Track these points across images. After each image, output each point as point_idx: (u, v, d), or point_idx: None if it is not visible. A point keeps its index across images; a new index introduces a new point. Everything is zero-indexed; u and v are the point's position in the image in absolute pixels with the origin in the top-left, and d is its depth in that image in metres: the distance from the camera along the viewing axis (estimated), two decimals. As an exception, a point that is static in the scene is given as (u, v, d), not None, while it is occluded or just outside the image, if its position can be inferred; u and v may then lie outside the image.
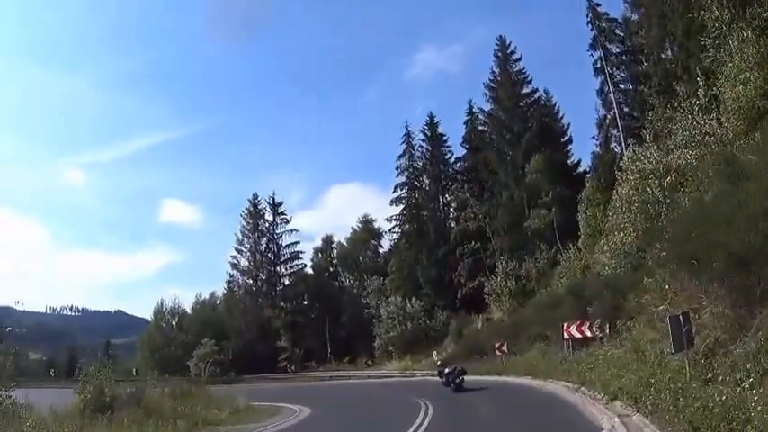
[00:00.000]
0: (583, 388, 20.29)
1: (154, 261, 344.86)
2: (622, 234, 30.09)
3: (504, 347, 36.68)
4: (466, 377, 29.83)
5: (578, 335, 28.82)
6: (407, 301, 61.59)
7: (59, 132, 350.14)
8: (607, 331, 26.46)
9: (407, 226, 70.26)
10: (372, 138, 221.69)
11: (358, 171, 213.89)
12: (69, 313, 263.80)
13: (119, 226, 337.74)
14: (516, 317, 44.82)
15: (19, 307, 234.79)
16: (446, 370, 31.23)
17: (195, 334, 74.55)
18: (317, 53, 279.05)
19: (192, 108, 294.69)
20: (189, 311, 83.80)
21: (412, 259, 67.25)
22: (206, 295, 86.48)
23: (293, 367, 69.70)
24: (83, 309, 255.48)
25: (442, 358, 40.20)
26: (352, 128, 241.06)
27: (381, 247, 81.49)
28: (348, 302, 77.25)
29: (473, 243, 59.61)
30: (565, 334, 29.61)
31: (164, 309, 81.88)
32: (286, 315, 78.38)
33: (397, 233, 72.40)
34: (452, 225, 66.37)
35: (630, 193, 29.95)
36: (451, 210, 69.12)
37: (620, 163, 34.34)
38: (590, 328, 28.01)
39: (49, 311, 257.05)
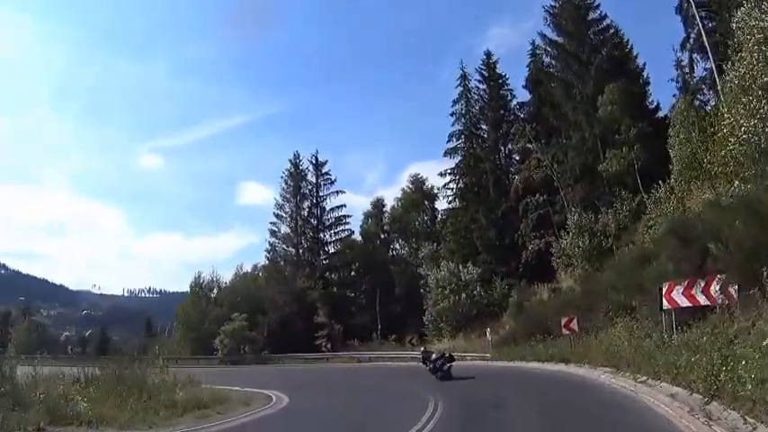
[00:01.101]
0: (714, 403, 10.77)
1: (233, 242, 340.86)
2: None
3: (574, 324, 28.98)
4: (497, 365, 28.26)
5: (686, 302, 17.75)
6: (462, 266, 51.90)
7: (136, 119, 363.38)
8: (736, 295, 15.99)
9: (463, 180, 60.06)
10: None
11: (436, 149, 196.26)
12: (147, 295, 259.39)
13: (197, 209, 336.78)
14: (591, 284, 35.30)
15: (96, 290, 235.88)
16: (433, 356, 28.39)
17: (231, 309, 65.08)
18: (389, 34, 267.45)
19: (269, 91, 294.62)
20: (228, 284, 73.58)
21: (468, 220, 57.14)
22: (248, 267, 76.90)
23: (329, 345, 60.03)
24: (161, 291, 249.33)
25: (440, 349, 34.51)
26: (429, 106, 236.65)
27: (437, 210, 70.58)
28: (401, 273, 67.21)
29: (538, 196, 49.37)
30: (665, 301, 18.35)
31: (201, 281, 72.26)
32: (329, 287, 68.86)
33: (452, 190, 61.91)
34: (514, 178, 55.86)
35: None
36: (513, 160, 59.40)
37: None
38: (706, 292, 17.11)
39: (126, 294, 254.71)
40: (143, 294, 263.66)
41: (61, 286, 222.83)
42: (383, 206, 74.12)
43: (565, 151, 47.98)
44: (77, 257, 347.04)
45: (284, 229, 72.78)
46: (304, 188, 73.08)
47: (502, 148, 59.75)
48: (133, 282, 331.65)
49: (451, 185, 61.68)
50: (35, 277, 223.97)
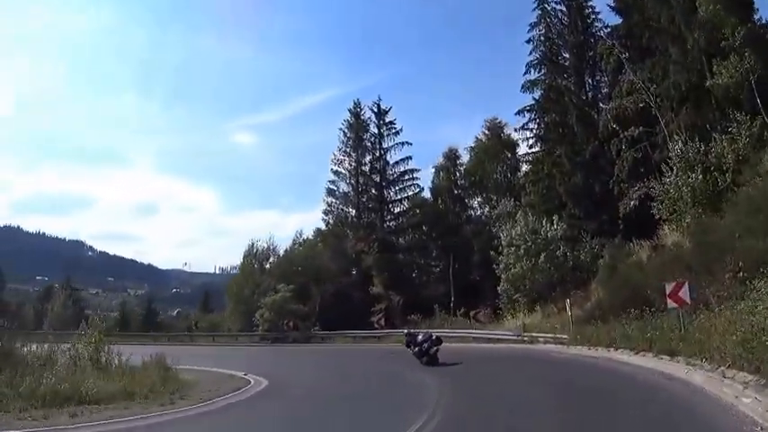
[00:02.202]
0: None
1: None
2: None
3: (684, 292, 20.30)
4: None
5: None
6: (542, 222, 43.39)
7: (225, 97, 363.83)
8: None
9: (544, 119, 50.81)
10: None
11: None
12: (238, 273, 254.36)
13: (292, 185, 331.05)
14: (707, 235, 26.40)
15: (187, 269, 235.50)
16: (419, 337, 25.82)
17: (283, 280, 57.06)
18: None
19: (359, 63, 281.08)
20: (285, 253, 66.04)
21: (551, 165, 47.86)
22: (309, 233, 68.38)
23: (382, 322, 51.75)
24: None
25: (432, 332, 28.71)
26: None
27: (518, 160, 59.98)
28: (477, 235, 56.84)
29: (633, 129, 39.30)
30: None
31: (255, 250, 65.34)
32: (392, 252, 60.14)
33: (532, 131, 52.76)
34: (603, 111, 45.50)
35: None
36: (600, 93, 49.58)
37: None
38: None
39: (217, 272, 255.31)
40: (234, 272, 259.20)
41: (149, 266, 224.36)
42: (456, 158, 64.06)
43: (664, 68, 38.23)
44: (168, 237, 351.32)
45: (343, 187, 64.37)
46: (366, 140, 64.68)
47: (588, 80, 50.18)
48: (226, 260, 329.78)
49: (531, 126, 52.46)
50: (123, 258, 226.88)
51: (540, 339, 31.99)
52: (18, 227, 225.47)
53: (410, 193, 63.78)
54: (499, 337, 37.03)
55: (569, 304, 31.40)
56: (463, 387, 17.83)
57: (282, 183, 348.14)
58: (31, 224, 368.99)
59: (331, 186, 64.12)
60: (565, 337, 29.44)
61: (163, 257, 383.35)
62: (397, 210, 64.51)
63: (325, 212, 64.27)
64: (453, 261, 55.60)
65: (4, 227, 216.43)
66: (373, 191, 64.35)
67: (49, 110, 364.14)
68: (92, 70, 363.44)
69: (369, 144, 64.36)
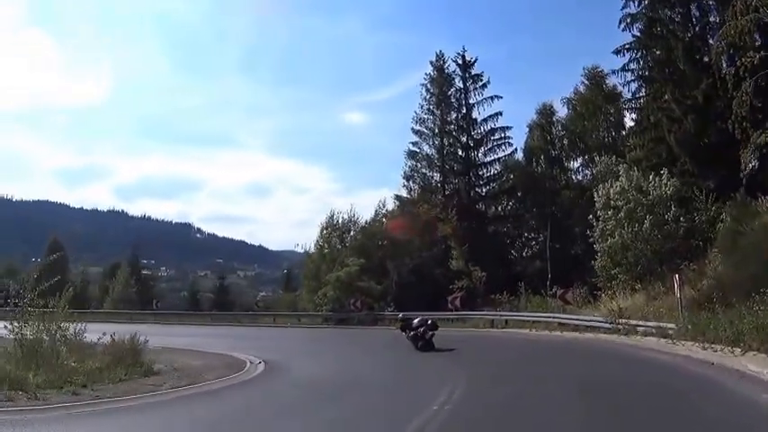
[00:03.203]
0: None
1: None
2: None
3: None
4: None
5: None
6: (647, 177, 36.48)
7: (335, 77, 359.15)
8: None
9: (647, 57, 43.69)
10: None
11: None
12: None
13: (402, 163, 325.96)
14: None
15: (299, 249, 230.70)
16: (414, 322, 24.76)
17: (362, 255, 52.80)
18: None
19: (472, 38, 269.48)
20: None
21: (656, 112, 40.75)
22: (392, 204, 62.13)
23: (457, 302, 43.83)
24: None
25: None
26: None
27: (622, 114, 52.45)
28: (576, 201, 49.95)
29: (752, 54, 31.00)
30: None
31: (334, 222, 59.22)
32: (478, 221, 54.55)
33: (633, 71, 44.91)
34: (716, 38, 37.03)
35: None
36: (710, 22, 41.09)
37: None
38: None
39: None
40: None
41: (260, 247, 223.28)
42: (552, 114, 56.92)
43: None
44: (280, 218, 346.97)
45: (426, 149, 58.05)
46: (450, 96, 57.82)
47: (694, 12, 42.06)
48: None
49: (631, 66, 44.83)
50: (232, 239, 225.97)
51: (639, 329, 24.52)
52: (123, 211, 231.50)
53: (501, 154, 56.82)
54: (588, 323, 29.83)
55: (678, 282, 24.24)
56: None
57: (394, 161, 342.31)
58: (137, 208, 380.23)
59: (413, 148, 58.01)
60: (671, 326, 22.43)
61: (274, 239, 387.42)
62: (486, 174, 57.68)
63: (407, 177, 58.03)
64: (551, 231, 49.20)
65: (109, 211, 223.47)
66: (459, 152, 57.92)
67: (153, 95, 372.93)
68: (194, 55, 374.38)
69: (453, 100, 57.86)
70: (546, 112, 56.36)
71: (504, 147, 56.44)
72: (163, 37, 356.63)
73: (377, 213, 59.29)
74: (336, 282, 48.89)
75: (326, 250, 57.18)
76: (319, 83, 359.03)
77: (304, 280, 60.92)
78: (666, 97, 39.40)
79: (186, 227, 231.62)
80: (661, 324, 23.11)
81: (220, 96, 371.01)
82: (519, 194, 56.26)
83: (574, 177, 55.78)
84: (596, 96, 52.84)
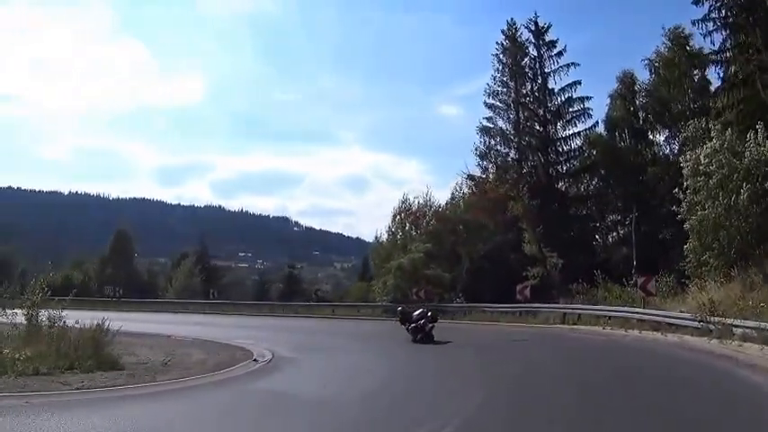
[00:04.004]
0: None
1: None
2: None
3: None
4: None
5: None
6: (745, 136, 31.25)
7: (427, 70, 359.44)
8: None
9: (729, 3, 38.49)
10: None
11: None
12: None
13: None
14: None
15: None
16: (415, 314, 24.72)
17: (436, 242, 50.00)
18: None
19: (564, 27, 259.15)
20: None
21: (746, 66, 36.35)
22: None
23: (527, 292, 39.08)
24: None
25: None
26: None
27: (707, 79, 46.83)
28: (662, 176, 44.80)
29: None
30: None
31: (407, 206, 56.22)
32: (554, 202, 50.16)
33: (715, 22, 39.66)
34: None
35: None
36: None
37: None
38: None
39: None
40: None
41: (357, 239, 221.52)
42: (633, 83, 51.17)
43: None
44: (377, 211, 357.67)
45: (500, 123, 53.64)
46: (525, 66, 53.49)
47: None
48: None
49: (713, 15, 39.81)
50: (329, 232, 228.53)
51: (736, 331, 19.42)
52: (220, 206, 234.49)
53: (581, 127, 52.03)
54: (672, 321, 24.72)
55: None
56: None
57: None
58: (235, 204, 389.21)
59: (486, 124, 53.63)
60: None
61: (372, 231, 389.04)
62: (565, 149, 52.88)
63: (481, 156, 53.64)
64: (636, 213, 44.23)
65: (206, 206, 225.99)
66: (536, 126, 53.33)
67: (247, 94, 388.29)
68: (286, 53, 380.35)
69: (528, 70, 53.50)
70: (627, 80, 51.09)
71: (583, 119, 51.75)
72: (254, 37, 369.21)
73: (453, 196, 55.92)
74: (398, 270, 45.76)
75: (399, 237, 54.45)
76: (412, 77, 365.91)
77: (375, 269, 58.30)
78: (755, 45, 35.11)
79: (284, 221, 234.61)
80: (763, 324, 18.28)
81: (315, 93, 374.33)
82: (602, 172, 51.31)
83: (659, 152, 50.53)
84: (680, 58, 47.33)
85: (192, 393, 12.95)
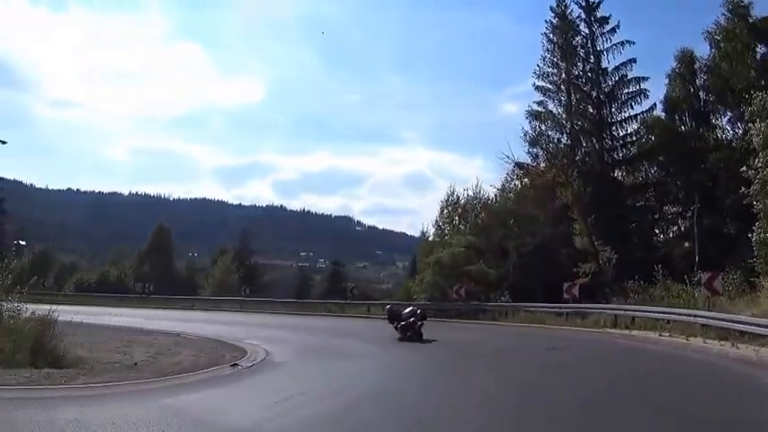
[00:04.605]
0: None
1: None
2: None
3: None
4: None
5: None
6: None
7: (487, 69, 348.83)
8: None
9: None
10: None
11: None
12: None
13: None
14: None
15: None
16: (404, 312, 25.05)
17: (480, 234, 47.70)
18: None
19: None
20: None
21: None
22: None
23: (576, 291, 35.41)
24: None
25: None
26: None
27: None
28: (726, 169, 40.61)
29: None
30: None
31: (453, 200, 53.26)
32: (609, 191, 45.45)
33: None
34: None
35: None
36: None
37: None
38: None
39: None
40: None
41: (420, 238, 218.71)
42: (693, 62, 46.57)
43: None
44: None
45: (552, 107, 49.86)
46: (576, 44, 49.59)
47: None
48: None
49: None
50: (392, 231, 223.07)
51: None
52: (282, 206, 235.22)
53: (638, 110, 47.90)
54: (743, 328, 20.58)
55: None
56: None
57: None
58: (297, 204, 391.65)
59: (535, 108, 49.96)
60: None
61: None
62: (621, 133, 48.91)
63: (531, 142, 49.60)
64: (699, 203, 40.46)
65: (268, 206, 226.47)
66: (590, 109, 49.30)
67: (308, 94, 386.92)
68: (347, 53, 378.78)
69: (579, 49, 49.62)
70: (686, 59, 46.68)
71: (639, 100, 47.75)
72: (313, 38, 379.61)
73: (503, 188, 52.08)
74: (436, 265, 43.16)
75: (447, 231, 51.63)
76: (474, 75, 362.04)
77: (420, 266, 54.75)
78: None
79: (346, 220, 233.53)
80: None
81: (376, 92, 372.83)
82: (661, 159, 47.03)
83: (722, 136, 46.04)
84: (741, 30, 42.93)
85: (88, 402, 11.15)
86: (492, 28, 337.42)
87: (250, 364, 16.80)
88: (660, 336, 24.15)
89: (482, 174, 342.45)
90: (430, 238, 54.12)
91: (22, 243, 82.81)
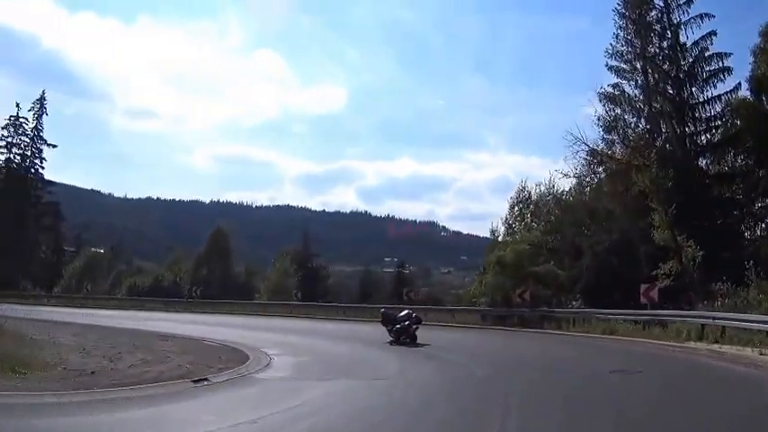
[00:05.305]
0: None
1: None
2: None
3: None
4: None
5: None
6: None
7: (567, 72, 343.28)
8: None
9: None
10: None
11: None
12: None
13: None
14: None
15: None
16: (399, 315, 25.06)
17: (554, 232, 45.27)
18: None
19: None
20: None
21: None
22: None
23: (654, 294, 30.58)
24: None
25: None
26: None
27: None
28: None
29: None
30: None
31: (524, 195, 49.91)
32: (692, 179, 41.12)
33: None
34: None
35: None
36: None
37: None
38: None
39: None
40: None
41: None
42: None
43: None
44: None
45: (627, 89, 45.67)
46: (651, 19, 45.14)
47: None
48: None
49: None
50: (477, 236, 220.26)
51: None
52: (366, 212, 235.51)
53: (721, 90, 43.40)
54: None
55: None
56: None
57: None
58: (382, 210, 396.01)
59: (608, 90, 45.68)
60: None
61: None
62: (703, 116, 44.16)
63: (606, 128, 44.99)
64: None
65: (352, 212, 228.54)
66: (668, 89, 44.81)
67: (390, 100, 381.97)
68: (427, 58, 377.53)
69: (655, 24, 45.16)
70: None
71: (722, 78, 43.16)
72: (393, 44, 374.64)
73: (579, 181, 47.84)
74: (497, 264, 39.13)
75: (518, 230, 47.91)
76: (554, 78, 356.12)
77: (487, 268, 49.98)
78: None
79: (431, 225, 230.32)
80: None
81: (457, 97, 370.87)
82: (748, 145, 41.81)
83: None
84: None
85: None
86: (571, 30, 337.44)
87: (224, 379, 14.90)
88: (762, 354, 18.84)
89: (570, 180, 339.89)
90: (500, 238, 49.83)
91: (72, 250, 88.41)
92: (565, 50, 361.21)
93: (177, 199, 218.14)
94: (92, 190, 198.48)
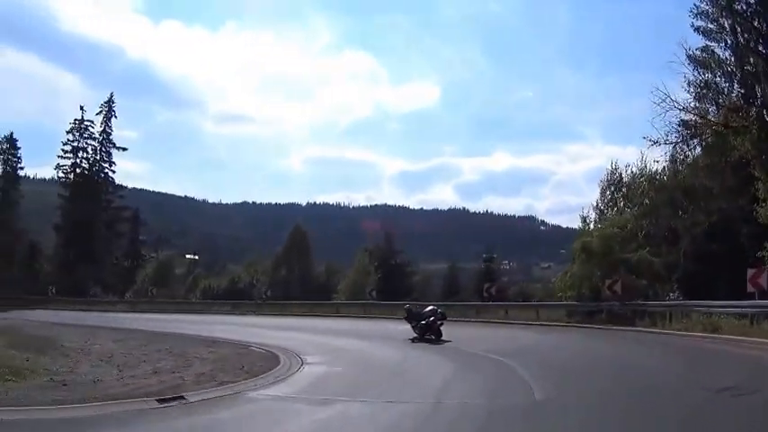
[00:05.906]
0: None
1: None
2: None
3: None
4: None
5: None
6: None
7: (657, 58, 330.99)
8: None
9: None
10: None
11: None
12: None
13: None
14: None
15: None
16: (425, 311, 24.98)
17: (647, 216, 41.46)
18: None
19: None
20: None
21: None
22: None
23: (762, 281, 24.76)
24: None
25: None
26: None
27: None
28: None
29: None
30: None
31: (614, 178, 46.67)
32: None
33: None
34: None
35: None
36: None
37: None
38: None
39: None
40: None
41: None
42: None
43: None
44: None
45: (717, 51, 40.00)
46: None
47: None
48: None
49: None
50: (576, 229, 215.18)
51: None
52: (464, 209, 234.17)
53: None
54: None
55: None
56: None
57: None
58: (480, 206, 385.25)
59: (698, 54, 40.20)
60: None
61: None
62: None
63: (697, 96, 39.23)
64: None
65: (450, 210, 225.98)
66: (761, 47, 39.01)
67: (483, 94, 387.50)
68: (516, 51, 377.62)
69: None
70: None
71: None
72: (481, 37, 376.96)
73: (673, 159, 43.19)
74: (582, 252, 34.27)
75: (610, 216, 43.67)
76: (645, 65, 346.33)
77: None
78: None
79: (530, 220, 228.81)
80: None
81: (549, 88, 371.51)
82: None
83: None
84: None
85: None
86: (658, 16, 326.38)
87: (206, 398, 12.30)
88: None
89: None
90: (591, 226, 44.94)
91: (152, 255, 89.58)
92: (652, 35, 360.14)
93: (273, 202, 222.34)
94: (185, 197, 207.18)
